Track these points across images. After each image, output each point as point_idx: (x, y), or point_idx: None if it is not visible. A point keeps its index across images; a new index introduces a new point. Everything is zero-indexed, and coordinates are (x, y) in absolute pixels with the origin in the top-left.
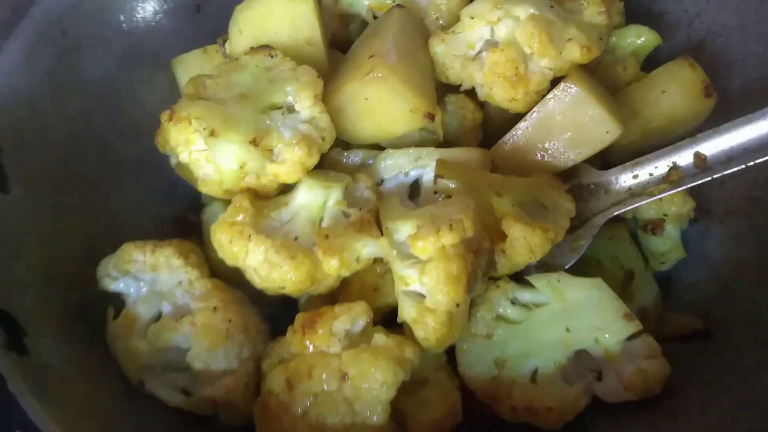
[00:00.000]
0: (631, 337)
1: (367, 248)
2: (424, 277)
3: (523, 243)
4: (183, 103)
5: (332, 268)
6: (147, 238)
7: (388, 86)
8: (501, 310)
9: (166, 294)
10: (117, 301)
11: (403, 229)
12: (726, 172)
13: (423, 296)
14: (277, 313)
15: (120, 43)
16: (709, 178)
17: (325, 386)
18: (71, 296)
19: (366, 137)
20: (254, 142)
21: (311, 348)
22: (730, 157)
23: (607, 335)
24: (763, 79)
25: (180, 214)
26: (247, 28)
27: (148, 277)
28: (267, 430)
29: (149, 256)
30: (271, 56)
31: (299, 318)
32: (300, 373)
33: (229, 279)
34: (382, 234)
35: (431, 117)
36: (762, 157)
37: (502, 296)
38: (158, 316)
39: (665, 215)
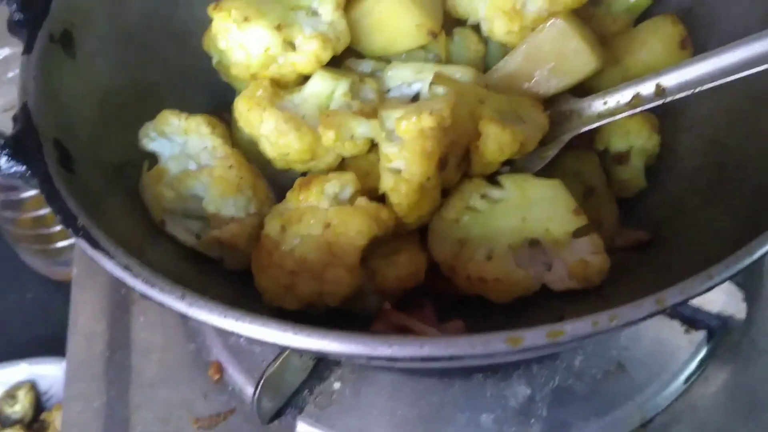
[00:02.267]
0: (579, 233)
1: (361, 128)
2: (404, 152)
3: (494, 140)
4: None
5: (329, 139)
6: None
7: (399, 2)
8: (471, 201)
9: (193, 155)
10: (152, 158)
11: (393, 115)
12: (676, 97)
13: (400, 171)
14: None
15: None
16: (662, 101)
17: (311, 230)
18: (117, 152)
19: (378, 49)
20: (278, 28)
21: (304, 202)
22: (682, 87)
23: (556, 226)
24: (735, 37)
25: (215, 112)
26: None
27: (181, 139)
28: (260, 263)
29: (183, 121)
30: None
31: (298, 180)
32: (292, 219)
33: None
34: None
35: (434, 35)
36: (708, 84)
37: (474, 190)
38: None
39: (631, 147)
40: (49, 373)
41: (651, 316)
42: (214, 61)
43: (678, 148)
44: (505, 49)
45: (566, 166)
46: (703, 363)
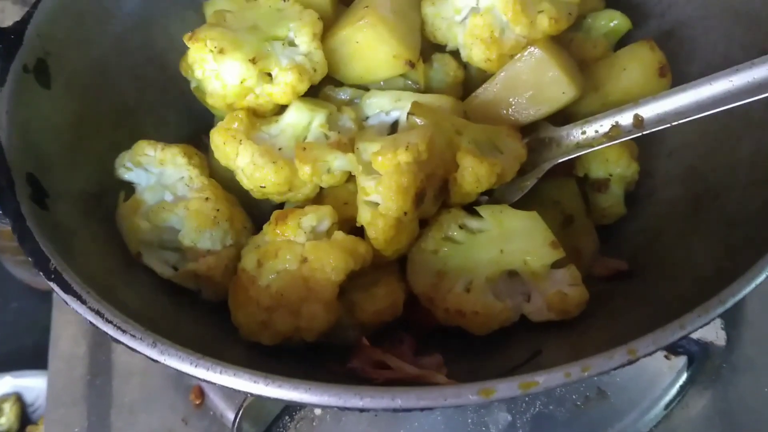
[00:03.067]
0: (557, 265)
1: (338, 161)
2: (380, 186)
3: (472, 173)
4: (203, 28)
5: (305, 174)
6: None
7: (376, 33)
8: (450, 232)
9: (169, 186)
10: (129, 188)
11: (370, 148)
12: (654, 129)
13: (378, 204)
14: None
15: None
16: (640, 134)
17: (287, 265)
18: (92, 181)
19: (355, 77)
20: (253, 61)
21: (280, 236)
22: (661, 119)
23: (534, 258)
24: (718, 66)
25: (194, 135)
26: None
27: (157, 170)
28: (237, 298)
29: (159, 151)
30: (284, 0)
31: (275, 213)
32: (268, 254)
33: (225, 186)
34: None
35: (411, 65)
36: (686, 118)
37: (452, 221)
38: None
39: (611, 175)
40: (34, 385)
41: (623, 365)
42: (192, 86)
43: (656, 175)
44: (485, 74)
45: (545, 195)
46: (683, 389)
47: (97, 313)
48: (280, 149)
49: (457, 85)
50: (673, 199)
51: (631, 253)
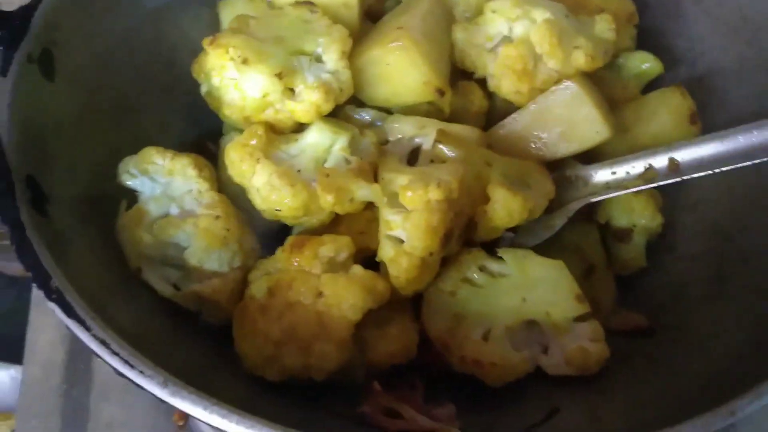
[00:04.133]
0: (580, 319)
1: (361, 191)
2: (407, 223)
3: (504, 206)
4: (226, 33)
5: (328, 203)
6: None
7: (409, 57)
8: (469, 273)
9: (176, 198)
10: (132, 196)
11: (398, 180)
12: (694, 176)
13: (402, 241)
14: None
15: None
16: (679, 179)
17: (301, 298)
18: (92, 184)
19: (380, 100)
20: (279, 76)
21: (296, 265)
22: (700, 165)
23: (557, 310)
24: (747, 120)
25: (199, 140)
26: None
27: (164, 180)
28: (243, 327)
29: (168, 161)
30: (312, 12)
31: (290, 239)
32: (282, 284)
33: (232, 200)
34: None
35: (441, 93)
36: (726, 167)
37: (472, 262)
38: (166, 216)
39: (635, 225)
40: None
41: None
42: (203, 90)
43: (679, 228)
44: (510, 106)
45: (567, 240)
46: None
47: (103, 343)
48: (299, 171)
49: (480, 114)
50: (697, 257)
51: (652, 310)
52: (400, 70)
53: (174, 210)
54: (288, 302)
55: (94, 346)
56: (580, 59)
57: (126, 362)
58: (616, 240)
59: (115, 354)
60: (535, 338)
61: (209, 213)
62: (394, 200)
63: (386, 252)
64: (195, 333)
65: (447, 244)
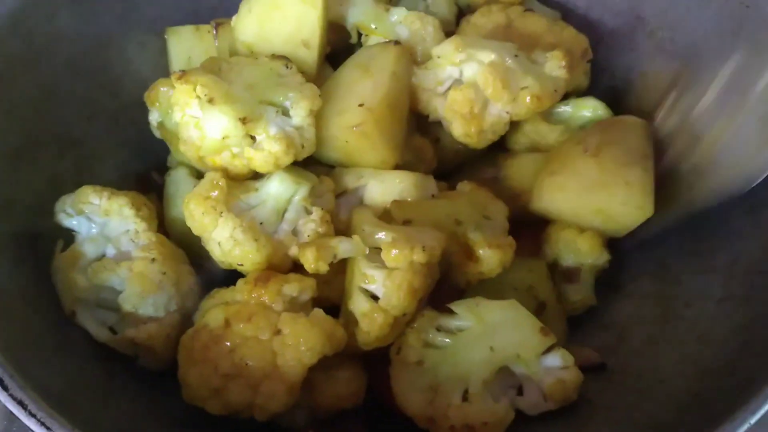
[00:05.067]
0: (546, 351)
1: (342, 245)
2: (388, 281)
3: (497, 261)
4: (196, 71)
5: (311, 267)
6: (109, 185)
7: (369, 141)
8: (428, 337)
9: (113, 239)
10: (68, 236)
11: (379, 235)
12: None
13: (377, 297)
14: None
15: (121, 3)
16: None
17: (259, 333)
18: (29, 221)
19: (335, 163)
20: (243, 120)
21: (257, 299)
22: None
23: (526, 350)
24: None
25: (144, 171)
26: (256, 9)
27: (100, 220)
28: (191, 355)
29: (104, 201)
30: (287, 67)
31: (254, 273)
32: (240, 315)
33: (179, 238)
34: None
35: (396, 168)
36: None
37: (427, 324)
38: (101, 257)
39: (582, 265)
40: None
41: None
42: (155, 119)
43: (625, 264)
44: (457, 144)
45: (517, 279)
46: None
47: (20, 403)
48: (261, 223)
49: (429, 168)
50: (641, 293)
51: (599, 350)
52: (359, 149)
53: (110, 251)
54: (244, 336)
55: (10, 405)
56: (526, 101)
57: (43, 424)
58: (564, 280)
59: (33, 416)
60: (507, 383)
61: (145, 256)
62: (373, 254)
63: (359, 305)
64: (130, 379)
65: (420, 307)
